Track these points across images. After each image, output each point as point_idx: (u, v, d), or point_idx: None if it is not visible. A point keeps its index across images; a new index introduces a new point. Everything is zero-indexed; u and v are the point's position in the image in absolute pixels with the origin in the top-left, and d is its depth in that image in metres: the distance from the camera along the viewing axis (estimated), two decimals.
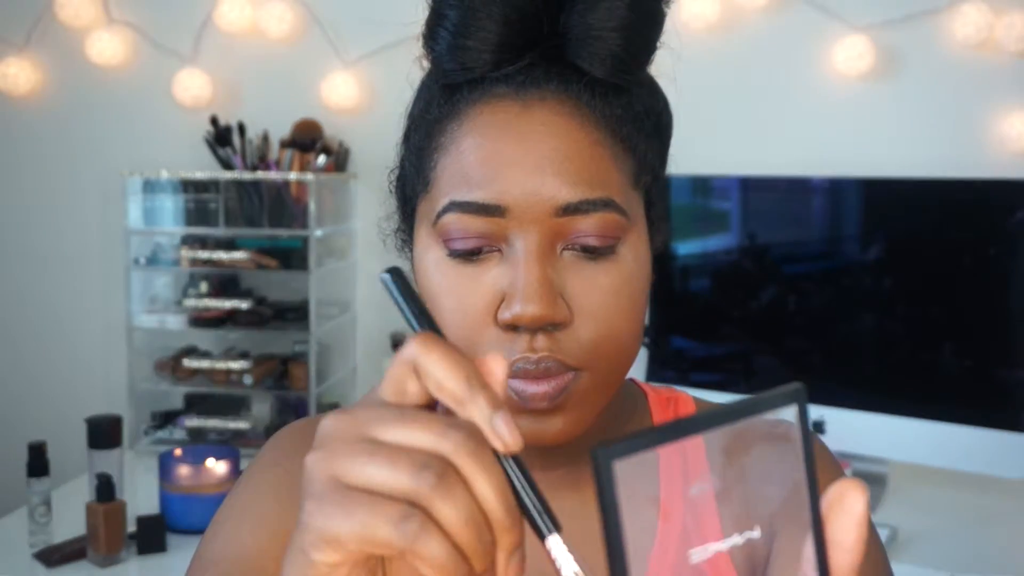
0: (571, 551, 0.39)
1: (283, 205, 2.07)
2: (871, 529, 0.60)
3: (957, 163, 1.89)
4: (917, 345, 1.73)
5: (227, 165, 2.12)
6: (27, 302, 2.42)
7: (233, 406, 2.14)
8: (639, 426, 0.72)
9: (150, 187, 2.12)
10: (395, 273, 0.45)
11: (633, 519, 0.30)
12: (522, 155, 0.58)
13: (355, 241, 2.27)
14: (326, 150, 2.13)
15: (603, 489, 0.30)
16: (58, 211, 2.39)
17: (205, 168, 2.16)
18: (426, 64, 0.64)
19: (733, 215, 1.90)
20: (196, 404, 2.15)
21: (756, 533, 0.34)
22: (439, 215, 0.60)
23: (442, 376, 0.40)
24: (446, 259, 0.60)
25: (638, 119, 0.62)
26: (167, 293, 2.19)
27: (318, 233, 2.05)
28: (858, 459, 1.79)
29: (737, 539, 0.34)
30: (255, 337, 2.15)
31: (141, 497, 1.78)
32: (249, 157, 2.14)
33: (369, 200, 2.25)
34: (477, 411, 0.40)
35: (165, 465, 1.66)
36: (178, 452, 1.71)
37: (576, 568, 0.38)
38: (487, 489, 0.38)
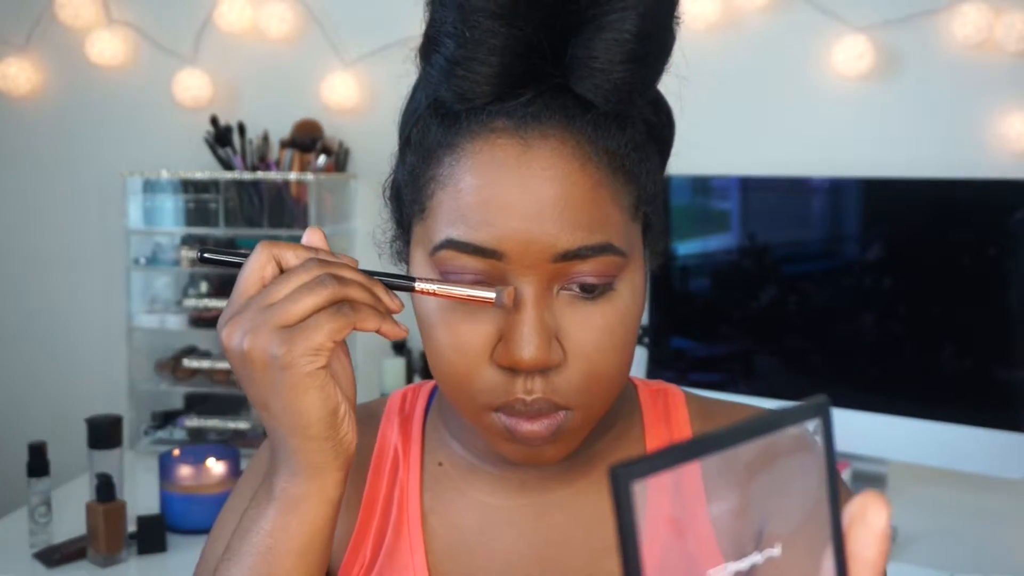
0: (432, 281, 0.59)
1: (283, 205, 2.07)
2: None
3: (957, 163, 1.89)
4: (917, 345, 1.73)
5: (227, 165, 2.12)
6: (27, 302, 2.42)
7: (233, 406, 2.14)
8: (629, 420, 0.72)
9: (150, 187, 2.12)
10: (204, 253, 0.63)
11: (649, 538, 0.30)
12: (521, 200, 0.57)
13: (355, 241, 2.27)
14: (326, 150, 2.13)
15: (621, 510, 0.29)
16: (58, 211, 2.39)
17: (205, 168, 2.16)
18: (420, 67, 0.63)
19: (733, 215, 1.90)
20: (196, 404, 2.15)
21: (776, 551, 0.34)
22: (436, 248, 0.59)
23: (299, 255, 0.59)
24: None
25: (642, 147, 0.61)
26: (167, 293, 2.19)
27: None
28: (858, 459, 1.79)
29: (757, 557, 0.33)
30: None
31: (141, 497, 1.78)
32: (249, 157, 2.13)
33: (369, 200, 2.25)
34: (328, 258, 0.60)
35: (165, 465, 1.66)
36: (178, 452, 1.71)
37: (446, 287, 0.58)
38: (352, 275, 0.59)
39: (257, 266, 0.59)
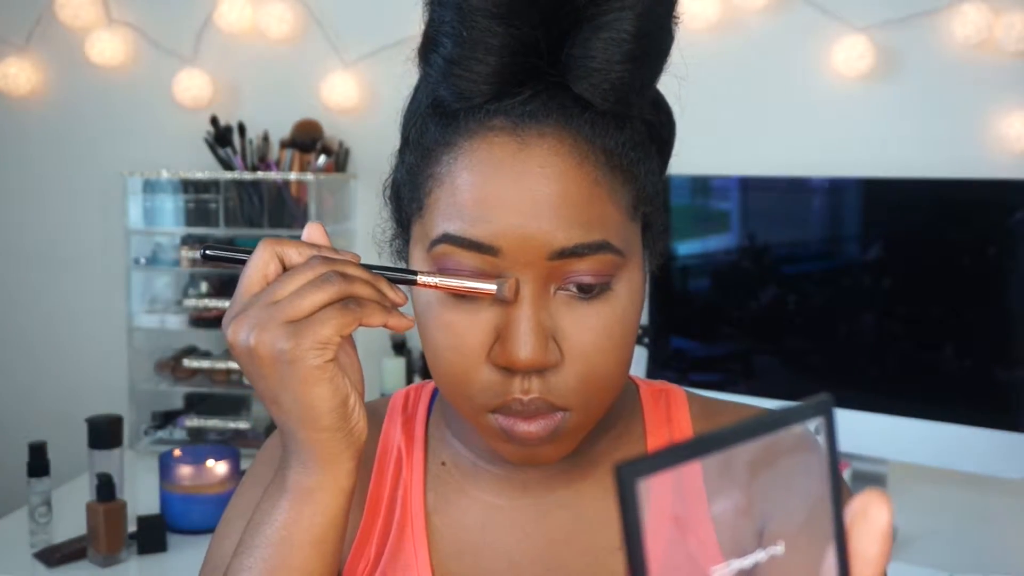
0: (434, 276, 0.59)
1: (283, 205, 2.07)
2: None
3: (957, 163, 1.89)
4: (917, 345, 1.73)
5: (227, 165, 2.12)
6: (27, 302, 2.42)
7: (233, 406, 2.14)
8: (631, 420, 0.72)
9: (150, 187, 2.12)
10: (207, 250, 0.62)
11: (653, 536, 0.30)
12: (518, 197, 0.57)
13: (355, 241, 2.27)
14: (326, 150, 2.13)
15: (626, 508, 0.29)
16: (58, 211, 2.39)
17: (205, 168, 2.16)
18: (420, 68, 0.63)
19: (733, 215, 1.90)
20: (196, 404, 2.15)
21: (779, 549, 0.34)
22: (433, 243, 0.60)
23: (303, 252, 0.60)
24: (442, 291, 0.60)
25: (640, 147, 0.61)
26: (167, 293, 2.19)
27: None
28: (858, 459, 1.79)
29: (760, 555, 0.33)
30: None
31: (141, 497, 1.78)
32: (249, 157, 2.14)
33: (369, 200, 2.24)
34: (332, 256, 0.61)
35: (165, 465, 1.66)
36: (178, 452, 1.71)
37: (448, 280, 0.59)
38: (356, 271, 0.59)
39: (260, 263, 0.59)
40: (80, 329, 2.39)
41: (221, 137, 2.11)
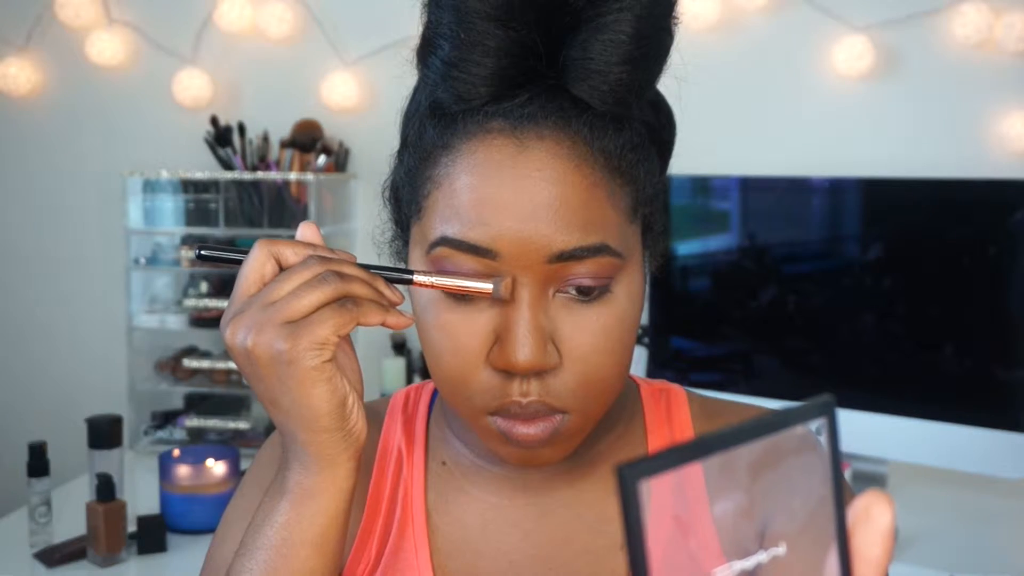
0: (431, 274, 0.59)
1: (283, 205, 2.07)
2: None
3: (957, 163, 1.89)
4: (917, 345, 1.73)
5: (227, 165, 2.12)
6: (27, 302, 2.42)
7: (233, 406, 2.14)
8: (631, 421, 0.72)
9: (150, 187, 2.12)
10: (202, 250, 0.62)
11: (655, 537, 0.30)
12: (516, 200, 0.57)
13: (355, 241, 2.27)
14: (326, 150, 2.13)
15: (628, 508, 0.29)
16: (58, 211, 2.39)
17: (205, 168, 2.16)
18: (418, 70, 0.63)
19: (733, 215, 1.90)
20: (196, 404, 2.15)
21: (781, 549, 0.34)
22: (431, 246, 0.59)
23: (299, 251, 0.60)
24: (441, 293, 0.60)
25: (640, 148, 0.61)
26: (167, 293, 2.19)
27: None
28: (858, 459, 1.79)
29: (762, 556, 0.33)
30: None
31: (141, 497, 1.78)
32: (249, 157, 2.14)
33: (369, 200, 2.25)
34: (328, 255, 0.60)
35: (165, 465, 1.66)
36: (178, 452, 1.71)
37: (443, 279, 0.59)
38: (352, 270, 0.59)
39: (257, 264, 0.59)
40: (80, 329, 2.39)
41: (221, 137, 2.11)
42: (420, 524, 0.69)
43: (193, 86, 2.23)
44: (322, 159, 2.10)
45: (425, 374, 2.12)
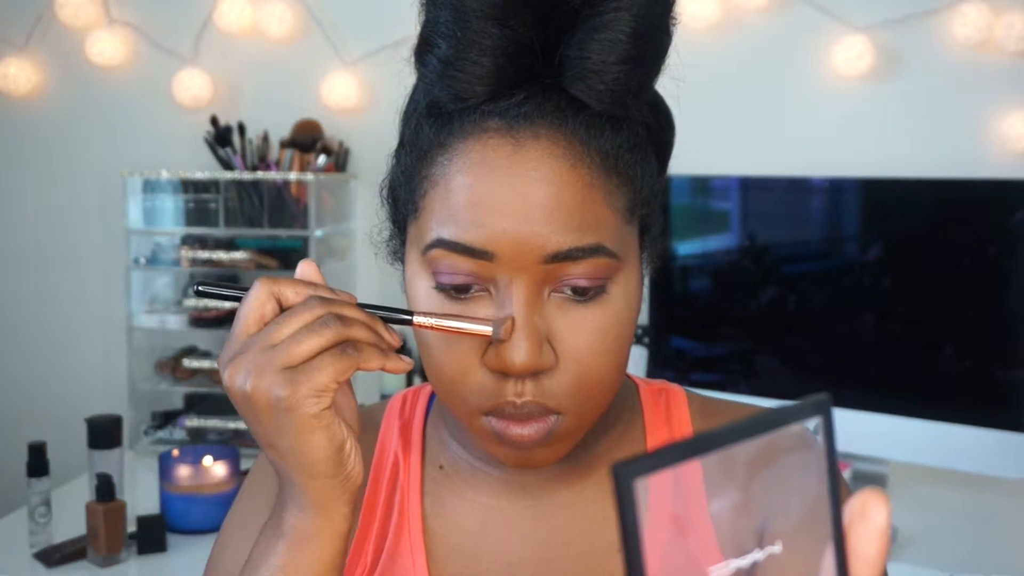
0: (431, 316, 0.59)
1: (283, 205, 2.07)
2: None
3: (957, 163, 1.89)
4: (917, 345, 1.73)
5: (227, 165, 2.12)
6: (27, 302, 2.42)
7: (233, 406, 2.13)
8: (630, 421, 0.72)
9: (150, 187, 2.12)
10: (200, 287, 0.62)
11: (651, 536, 0.29)
12: (511, 201, 0.56)
13: (355, 241, 2.27)
14: (326, 150, 2.13)
15: (624, 507, 0.29)
16: (58, 211, 2.39)
17: (205, 168, 2.16)
18: (416, 70, 0.62)
19: (733, 215, 1.90)
20: (196, 404, 2.15)
21: (777, 548, 0.34)
22: (427, 247, 0.59)
23: (300, 291, 0.59)
24: (435, 291, 0.60)
25: (637, 148, 0.60)
26: (167, 293, 2.19)
27: (318, 233, 2.05)
28: (858, 459, 1.79)
29: (759, 554, 0.33)
30: None
31: (141, 497, 1.78)
32: (249, 157, 2.14)
33: (369, 200, 2.23)
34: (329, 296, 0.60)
35: (165, 465, 1.66)
36: (177, 452, 1.71)
37: (443, 320, 0.58)
38: (354, 313, 0.58)
39: (257, 304, 0.58)
40: (80, 329, 2.39)
41: (221, 137, 2.11)
42: (416, 530, 0.69)
43: (193, 86, 2.23)
44: (322, 159, 2.10)
45: (425, 376, 2.12)
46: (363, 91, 2.21)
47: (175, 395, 2.19)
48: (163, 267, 2.13)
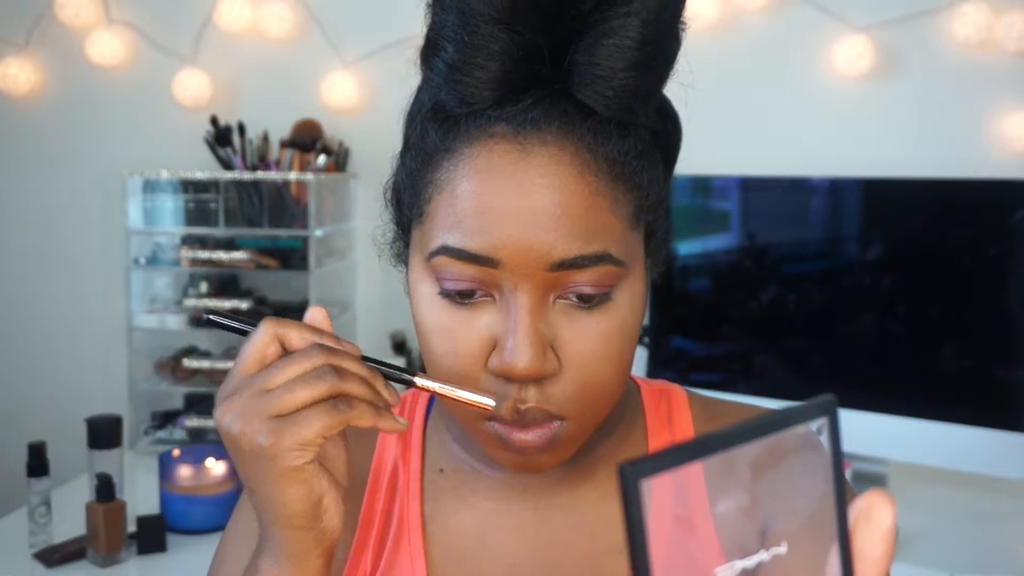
0: (433, 380, 0.59)
1: (283, 205, 2.07)
2: None
3: (957, 163, 1.89)
4: (917, 345, 1.73)
5: (227, 165, 2.12)
6: (27, 302, 2.42)
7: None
8: (632, 423, 0.72)
9: (150, 187, 2.11)
10: (209, 315, 0.61)
11: (657, 537, 0.29)
12: (517, 208, 0.56)
13: (355, 241, 2.27)
14: (326, 150, 2.13)
15: (630, 508, 0.29)
16: (58, 211, 2.39)
17: (205, 168, 2.16)
18: (422, 71, 0.62)
19: (733, 215, 1.90)
20: (196, 404, 2.15)
21: (782, 549, 0.34)
22: (432, 254, 0.59)
23: (307, 336, 0.57)
24: (439, 297, 0.60)
25: (644, 154, 0.60)
26: (167, 293, 2.19)
27: (318, 233, 2.05)
28: (858, 459, 1.79)
29: (764, 555, 0.33)
30: None
31: (141, 497, 1.78)
32: (249, 157, 2.13)
33: (369, 200, 2.25)
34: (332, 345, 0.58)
35: (165, 465, 1.66)
36: (177, 452, 1.71)
37: (446, 387, 0.58)
38: (353, 366, 0.56)
39: (260, 345, 0.56)
40: (80, 329, 2.39)
41: (221, 137, 2.11)
42: (416, 535, 0.68)
43: (193, 86, 2.23)
44: (322, 159, 2.10)
45: (423, 368, 2.12)
46: (363, 91, 2.21)
47: (175, 395, 2.19)
48: (163, 267, 2.13)
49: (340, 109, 2.21)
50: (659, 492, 0.29)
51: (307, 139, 2.13)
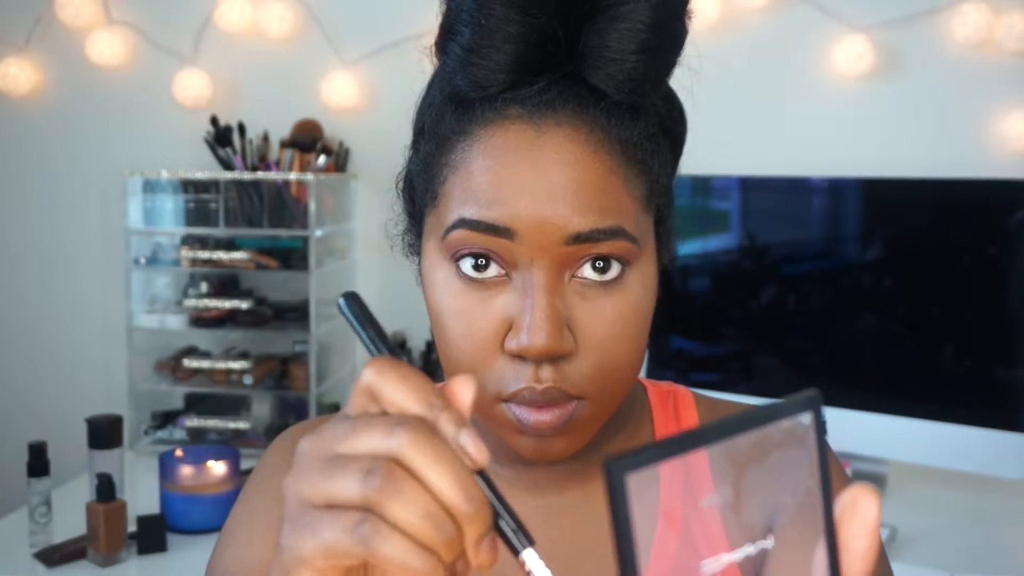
0: (547, 564, 0.39)
1: (283, 205, 2.07)
2: None
3: (957, 163, 1.89)
4: (917, 345, 1.73)
5: (227, 165, 2.12)
6: (27, 302, 2.42)
7: (233, 406, 2.14)
8: (640, 422, 0.72)
9: (150, 187, 2.12)
10: (351, 298, 0.46)
11: (644, 531, 0.30)
12: (534, 182, 0.57)
13: (355, 241, 2.27)
14: (326, 150, 2.13)
15: (616, 502, 0.29)
16: (58, 211, 2.39)
17: (205, 168, 2.16)
18: (435, 61, 0.63)
19: (733, 215, 1.90)
20: (196, 404, 2.15)
21: (769, 543, 0.34)
22: (448, 230, 0.59)
23: (401, 400, 0.41)
24: (455, 280, 0.60)
25: (654, 139, 0.61)
26: (167, 293, 2.19)
27: (318, 233, 2.05)
28: (858, 459, 1.79)
29: (750, 549, 0.33)
30: (255, 337, 2.15)
31: (141, 497, 1.78)
32: (249, 157, 2.14)
33: (369, 200, 2.25)
34: (441, 431, 0.40)
35: (165, 465, 1.66)
36: (178, 452, 1.71)
37: None
38: (441, 479, 0.38)
39: (355, 399, 0.43)
40: (80, 329, 2.39)
41: (221, 137, 2.11)
42: None
43: (193, 86, 2.23)
44: (322, 159, 2.10)
45: (424, 370, 2.12)
46: (363, 91, 2.21)
47: (175, 395, 2.19)
48: (163, 267, 2.13)
49: (340, 109, 2.21)
50: (646, 487, 0.30)
51: (307, 139, 2.13)
